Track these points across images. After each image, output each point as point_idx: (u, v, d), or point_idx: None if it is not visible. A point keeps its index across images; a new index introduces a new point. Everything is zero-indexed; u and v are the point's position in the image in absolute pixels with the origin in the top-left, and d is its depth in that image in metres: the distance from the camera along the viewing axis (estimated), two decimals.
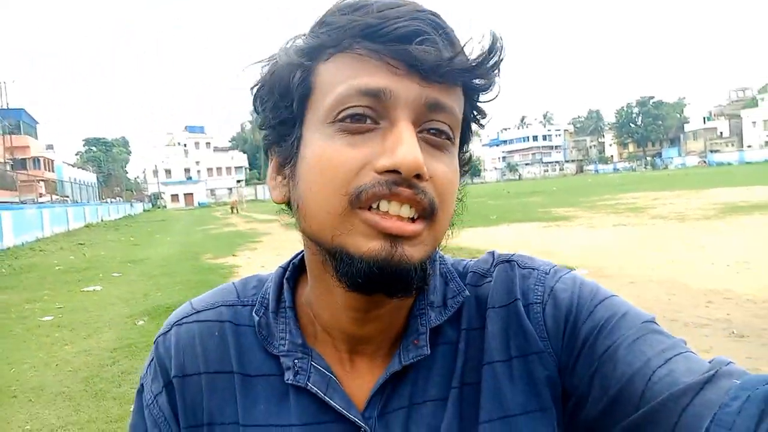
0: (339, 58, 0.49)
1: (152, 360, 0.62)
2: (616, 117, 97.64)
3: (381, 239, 0.47)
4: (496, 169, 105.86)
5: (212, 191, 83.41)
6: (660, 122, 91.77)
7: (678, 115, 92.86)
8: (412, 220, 0.48)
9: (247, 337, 0.60)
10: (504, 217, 16.70)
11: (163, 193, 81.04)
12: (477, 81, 0.52)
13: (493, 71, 0.51)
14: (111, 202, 46.12)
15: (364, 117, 0.48)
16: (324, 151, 0.49)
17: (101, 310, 7.17)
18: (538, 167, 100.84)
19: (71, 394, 4.12)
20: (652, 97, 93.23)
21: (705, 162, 74.15)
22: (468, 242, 10.78)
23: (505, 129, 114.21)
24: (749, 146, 76.50)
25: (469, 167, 0.61)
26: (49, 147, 59.47)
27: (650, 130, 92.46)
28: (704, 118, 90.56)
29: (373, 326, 0.56)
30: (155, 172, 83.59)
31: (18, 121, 46.08)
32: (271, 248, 12.80)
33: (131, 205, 52.00)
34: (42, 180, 34.50)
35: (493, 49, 0.50)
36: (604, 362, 0.51)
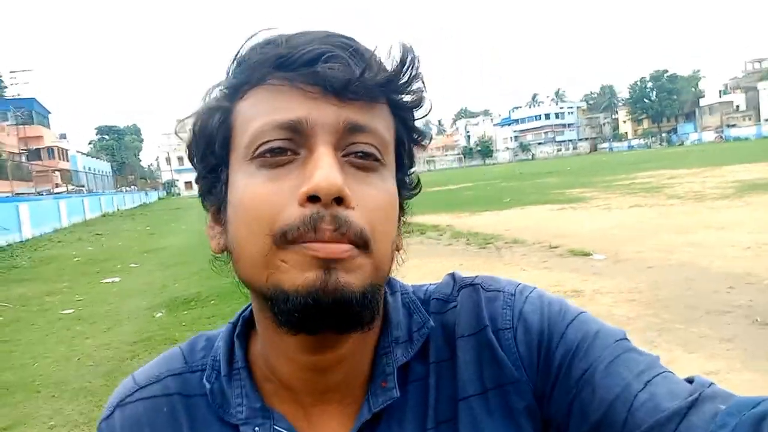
0: (254, 93, 0.49)
1: None
2: (629, 92, 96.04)
3: (314, 268, 0.44)
4: (508, 149, 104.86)
5: None
6: (675, 97, 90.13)
7: (693, 89, 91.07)
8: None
9: (199, 409, 0.55)
10: (517, 199, 16.59)
11: (177, 180, 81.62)
12: (400, 97, 0.51)
13: (410, 84, 0.50)
14: (126, 191, 46.55)
15: (284, 149, 0.47)
16: (246, 189, 0.47)
17: (120, 302, 7.27)
18: (551, 146, 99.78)
19: (93, 389, 4.19)
20: (666, 71, 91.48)
21: (722, 137, 72.84)
22: (481, 227, 10.75)
23: (517, 108, 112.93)
24: (767, 120, 74.92)
25: (417, 190, 0.58)
26: (62, 136, 59.97)
27: (665, 105, 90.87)
28: (720, 92, 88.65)
29: (335, 372, 0.52)
30: (168, 160, 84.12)
31: (30, 111, 46.48)
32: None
33: (146, 193, 52.48)
34: (57, 170, 34.87)
35: (404, 60, 0.48)
36: (581, 388, 0.49)
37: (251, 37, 0.51)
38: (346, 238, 0.45)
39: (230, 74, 0.51)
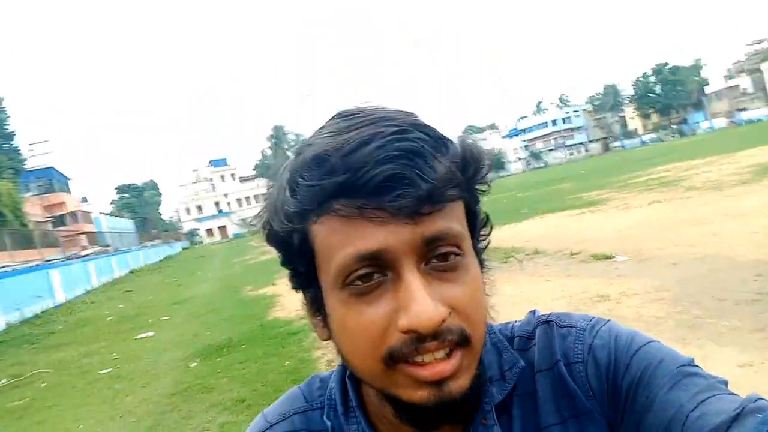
0: (326, 220, 0.50)
1: None
2: (633, 89, 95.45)
3: (426, 387, 0.49)
4: (519, 159, 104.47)
5: (244, 220, 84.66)
6: (680, 87, 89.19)
7: (697, 78, 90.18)
8: (449, 354, 0.49)
9: None
10: (535, 208, 16.51)
11: (198, 229, 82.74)
12: (466, 186, 0.52)
13: (475, 180, 0.53)
14: (150, 245, 47.28)
15: (371, 274, 0.49)
16: (346, 317, 0.50)
17: (155, 356, 7.40)
18: (563, 151, 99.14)
19: None
20: (667, 63, 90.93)
21: (733, 122, 71.79)
22: (501, 241, 10.73)
23: (523, 117, 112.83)
24: None
25: (490, 229, 0.61)
26: (84, 200, 61.31)
27: (671, 97, 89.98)
28: (725, 77, 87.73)
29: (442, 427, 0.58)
30: (188, 210, 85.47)
31: (50, 180, 47.82)
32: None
33: (170, 245, 53.21)
34: (83, 233, 35.64)
35: (466, 160, 0.51)
36: (644, 414, 0.52)
37: (304, 157, 0.51)
38: (451, 344, 0.49)
39: (294, 191, 0.51)
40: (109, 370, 7.12)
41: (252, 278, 14.58)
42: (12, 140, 44.39)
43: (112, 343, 9.03)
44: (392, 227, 0.48)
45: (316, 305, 0.56)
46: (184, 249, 59.86)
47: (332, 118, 0.54)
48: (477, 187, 0.56)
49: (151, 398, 5.45)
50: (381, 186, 0.47)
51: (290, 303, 9.16)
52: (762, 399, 0.48)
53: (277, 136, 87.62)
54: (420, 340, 0.48)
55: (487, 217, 0.61)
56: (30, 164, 46.48)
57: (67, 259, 23.16)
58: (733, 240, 6.72)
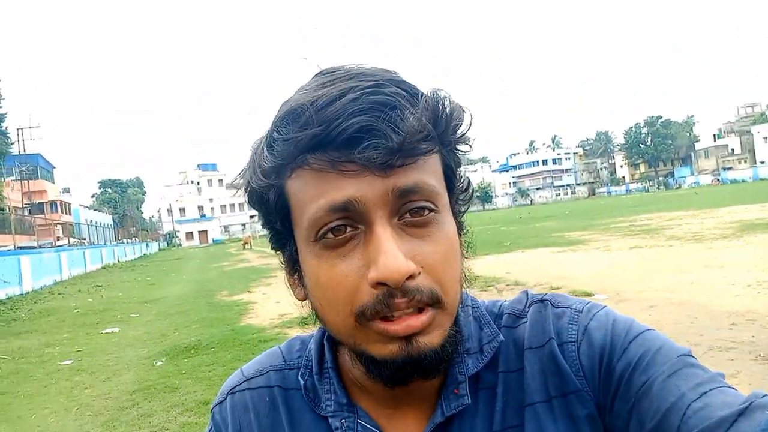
0: (300, 174, 0.50)
1: (210, 429, 0.66)
2: (625, 138, 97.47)
3: (396, 342, 0.49)
4: (507, 194, 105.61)
5: (226, 228, 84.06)
6: (670, 141, 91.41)
7: (688, 134, 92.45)
8: (419, 310, 0.49)
9: (296, 400, 0.63)
10: (518, 243, 16.61)
11: (178, 231, 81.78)
12: (442, 139, 0.52)
13: (451, 131, 0.52)
14: (127, 242, 46.58)
15: (343, 226, 0.49)
16: (319, 271, 0.51)
17: (120, 351, 7.20)
18: (550, 191, 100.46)
19: None
20: (660, 117, 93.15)
21: (718, 180, 73.48)
22: (482, 270, 10.73)
23: (514, 154, 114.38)
24: (762, 162, 75.68)
25: (471, 193, 0.60)
26: (66, 190, 60.53)
27: (660, 149, 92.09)
28: (714, 136, 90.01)
29: (413, 390, 0.57)
30: (170, 211, 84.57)
31: (35, 166, 47.14)
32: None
33: (147, 245, 52.47)
34: (59, 223, 35.03)
35: (436, 111, 0.50)
36: (640, 398, 0.51)
37: (282, 111, 0.51)
38: (422, 303, 0.48)
39: (270, 148, 0.52)
40: (70, 362, 6.90)
41: (228, 284, 14.37)
42: (2, 122, 43.76)
43: (75, 336, 8.77)
44: (364, 179, 0.48)
45: (292, 263, 0.56)
46: (161, 250, 59.05)
47: (313, 76, 0.53)
48: (455, 144, 0.55)
49: (111, 393, 5.28)
50: (353, 138, 0.47)
51: (264, 311, 9.02)
52: None
53: None
54: (390, 296, 0.47)
55: (469, 181, 0.60)
56: (17, 149, 45.78)
57: (40, 247, 22.67)
58: (711, 289, 6.79)
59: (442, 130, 0.51)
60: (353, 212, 0.48)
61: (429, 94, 0.51)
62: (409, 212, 0.50)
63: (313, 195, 0.49)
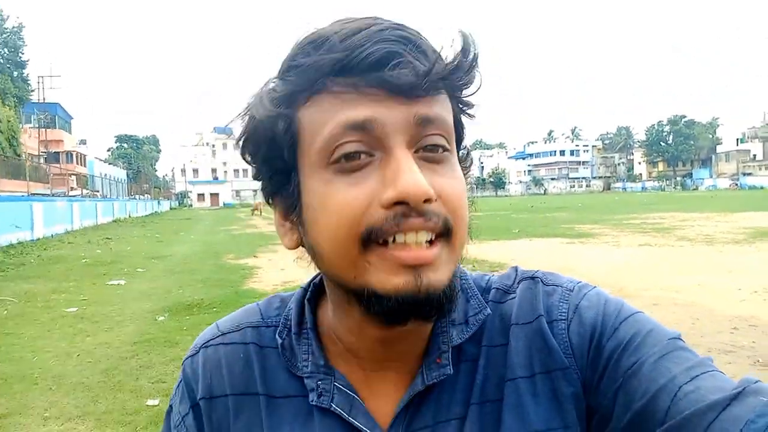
0: (317, 100, 0.48)
1: (180, 381, 0.64)
2: (646, 135, 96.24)
3: (403, 273, 0.47)
4: (521, 182, 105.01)
5: (237, 192, 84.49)
6: (691, 142, 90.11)
7: (710, 136, 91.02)
8: (430, 242, 0.48)
9: (271, 359, 0.61)
10: (526, 231, 16.54)
11: (190, 192, 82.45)
12: (459, 81, 0.51)
13: (471, 71, 0.51)
14: (139, 198, 47.01)
15: (358, 153, 0.47)
16: (327, 196, 0.48)
17: (124, 304, 7.31)
18: (564, 182, 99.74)
19: (90, 384, 4.21)
20: (684, 116, 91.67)
21: (737, 185, 72.41)
22: (488, 255, 10.73)
23: (532, 142, 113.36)
24: None
25: (470, 163, 0.59)
26: (82, 142, 60.97)
27: (681, 149, 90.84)
28: (737, 140, 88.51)
29: (398, 347, 0.56)
30: (183, 171, 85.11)
31: (53, 116, 47.44)
32: (292, 251, 12.86)
33: (158, 202, 52.97)
34: (74, 174, 35.40)
35: (466, 50, 0.49)
36: (628, 378, 0.50)
37: (301, 41, 0.50)
38: (436, 229, 0.47)
39: (283, 79, 0.51)
40: (74, 309, 7.02)
41: (235, 247, 14.50)
42: (23, 68, 43.96)
43: (81, 285, 8.91)
44: (387, 103, 0.47)
45: (290, 204, 0.53)
46: (172, 208, 59.59)
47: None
48: (465, 97, 0.53)
49: (113, 343, 5.37)
50: (378, 63, 0.46)
51: (268, 277, 9.10)
52: (760, 381, 0.46)
53: None
54: (404, 215, 0.46)
55: (468, 151, 0.59)
56: (37, 96, 46.03)
57: (53, 195, 22.95)
58: (716, 293, 6.75)
59: (462, 73, 0.50)
60: (371, 135, 0.47)
61: (458, 32, 0.50)
62: (425, 148, 0.49)
63: (330, 116, 0.48)
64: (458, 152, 0.56)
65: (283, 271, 9.37)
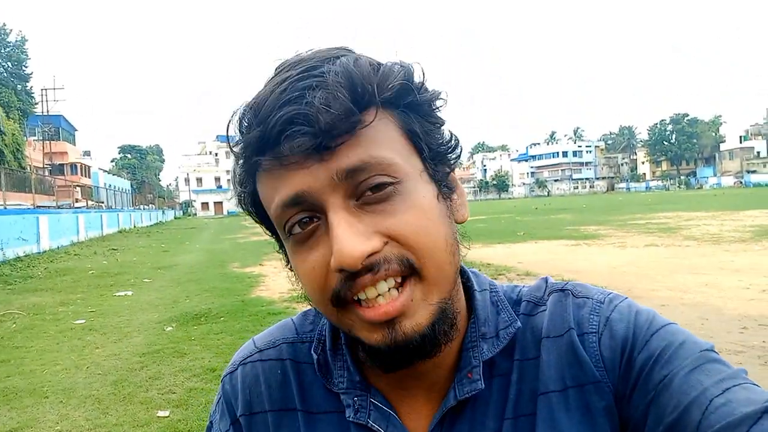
0: (260, 178, 0.52)
1: (220, 398, 0.65)
2: (649, 134, 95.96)
3: (378, 329, 0.49)
4: (524, 184, 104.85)
5: None
6: (695, 140, 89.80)
7: (713, 134, 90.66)
8: (398, 289, 0.48)
9: (308, 375, 0.62)
10: (532, 233, 16.51)
11: (194, 201, 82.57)
12: (384, 99, 0.49)
13: (396, 94, 0.49)
14: (144, 208, 47.13)
15: (308, 219, 0.49)
16: (296, 264, 0.52)
17: (131, 314, 7.33)
18: (568, 184, 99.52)
19: (100, 396, 4.22)
20: (687, 115, 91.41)
21: (741, 183, 72.09)
22: (493, 258, 10.71)
23: (534, 144, 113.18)
24: None
25: (458, 152, 0.56)
26: (86, 153, 61.23)
27: (684, 148, 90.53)
28: (741, 138, 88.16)
29: (423, 366, 0.56)
30: (187, 180, 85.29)
31: (57, 128, 47.68)
32: None
33: (163, 212, 53.10)
34: (78, 186, 35.52)
35: (353, 85, 0.47)
36: (660, 391, 0.50)
37: (241, 111, 0.51)
38: (393, 273, 0.47)
39: (235, 155, 0.53)
40: (82, 321, 7.05)
41: (240, 256, 14.51)
42: (27, 82, 44.20)
43: (89, 296, 8.94)
44: (308, 169, 0.47)
45: (286, 261, 0.57)
46: (176, 218, 59.72)
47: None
48: (409, 104, 0.51)
49: (121, 354, 5.39)
50: (284, 131, 0.46)
51: (275, 284, 9.11)
52: None
53: None
54: (351, 277, 0.47)
55: (453, 137, 0.56)
56: (40, 109, 46.28)
57: (59, 208, 23.04)
58: (724, 292, 6.71)
59: (384, 94, 0.48)
60: (307, 204, 0.48)
61: (352, 62, 0.48)
62: (370, 189, 0.48)
63: (270, 195, 0.50)
64: (426, 161, 0.52)
65: (289, 279, 9.36)
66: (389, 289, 0.47)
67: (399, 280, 0.48)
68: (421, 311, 0.48)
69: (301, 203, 0.48)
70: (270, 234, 0.58)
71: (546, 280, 0.63)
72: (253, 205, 0.55)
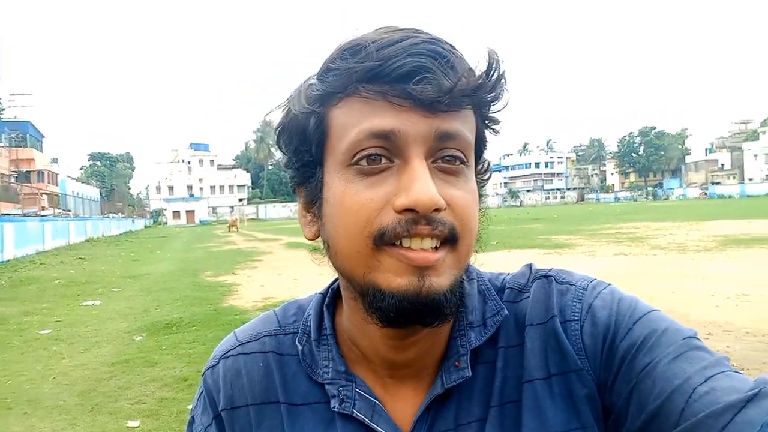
0: (348, 103, 0.51)
1: (201, 392, 0.65)
2: (618, 146, 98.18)
3: (408, 273, 0.49)
4: (497, 194, 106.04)
5: (214, 209, 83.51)
6: (662, 153, 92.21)
7: (680, 146, 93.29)
8: (435, 248, 0.50)
9: (291, 366, 0.62)
10: (504, 242, 16.66)
11: (165, 209, 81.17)
12: (484, 101, 0.53)
13: (495, 89, 0.53)
14: (113, 217, 46.14)
15: (379, 156, 0.50)
16: (345, 194, 0.51)
17: (100, 324, 7.16)
18: (540, 194, 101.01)
19: (67, 407, 4.11)
20: (654, 128, 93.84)
21: (706, 194, 74.23)
22: None
23: (507, 155, 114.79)
24: (750, 179, 76.60)
25: (488, 175, 0.62)
26: (54, 161, 59.67)
27: (652, 160, 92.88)
28: (706, 150, 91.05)
29: (412, 352, 0.57)
30: (158, 188, 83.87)
31: (25, 134, 46.48)
32: (271, 267, 12.75)
33: (133, 220, 52.00)
34: (45, 193, 34.63)
35: (490, 68, 0.51)
36: (642, 379, 0.50)
37: (342, 44, 0.52)
38: (441, 236, 0.49)
39: (321, 79, 0.53)
40: (48, 331, 6.85)
41: (213, 265, 14.31)
42: None
43: (55, 306, 8.69)
44: (411, 114, 0.49)
45: (312, 196, 0.56)
46: (146, 227, 58.55)
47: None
48: (491, 114, 0.56)
49: (89, 364, 5.25)
50: (408, 75, 0.48)
51: (248, 293, 9.01)
52: None
53: (264, 131, 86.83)
54: (414, 222, 0.48)
55: (489, 165, 0.61)
56: (7, 115, 45.05)
57: (24, 215, 22.41)
58: (690, 299, 6.90)
59: (487, 89, 0.52)
60: (392, 143, 0.50)
61: (486, 50, 0.52)
62: (442, 159, 0.51)
63: (357, 120, 0.50)
64: (477, 166, 0.58)
65: (263, 287, 9.29)
66: (429, 247, 0.49)
67: (438, 244, 0.50)
68: (447, 274, 0.50)
69: (388, 139, 0.49)
70: (296, 165, 0.57)
71: (530, 266, 0.64)
72: (305, 127, 0.54)
